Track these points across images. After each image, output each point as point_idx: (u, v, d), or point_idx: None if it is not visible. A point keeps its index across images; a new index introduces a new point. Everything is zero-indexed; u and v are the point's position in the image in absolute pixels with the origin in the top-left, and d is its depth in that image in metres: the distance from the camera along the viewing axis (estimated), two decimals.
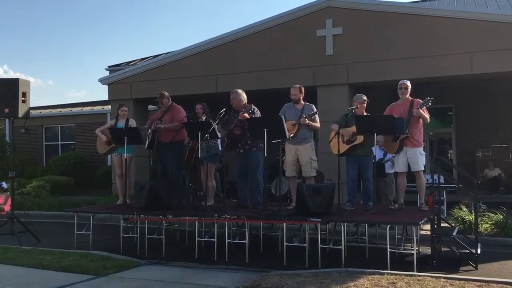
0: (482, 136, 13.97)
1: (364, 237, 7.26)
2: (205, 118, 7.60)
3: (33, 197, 13.43)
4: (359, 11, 11.51)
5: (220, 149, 7.71)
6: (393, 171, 8.21)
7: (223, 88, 11.64)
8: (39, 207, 12.24)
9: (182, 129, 7.74)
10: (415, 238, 6.14)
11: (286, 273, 5.43)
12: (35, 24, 59.96)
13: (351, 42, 11.46)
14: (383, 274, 5.21)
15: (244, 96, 7.50)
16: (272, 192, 10.92)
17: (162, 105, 8.23)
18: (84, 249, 7.01)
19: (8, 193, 10.60)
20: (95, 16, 62.38)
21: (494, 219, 8.32)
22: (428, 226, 6.98)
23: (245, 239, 6.56)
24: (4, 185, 11.53)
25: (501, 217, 8.29)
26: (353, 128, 6.88)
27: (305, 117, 7.04)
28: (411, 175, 7.08)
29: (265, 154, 6.80)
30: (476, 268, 6.08)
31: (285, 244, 6.32)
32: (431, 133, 14.95)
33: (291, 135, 6.99)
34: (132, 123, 8.42)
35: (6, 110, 8.15)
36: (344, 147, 7.04)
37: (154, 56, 17.33)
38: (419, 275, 5.12)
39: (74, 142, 19.56)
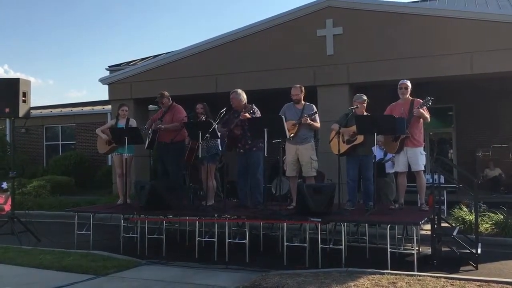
0: (483, 136, 13.96)
1: (364, 237, 7.26)
2: (206, 118, 7.61)
3: (33, 197, 13.41)
4: (360, 11, 11.50)
5: (220, 149, 7.71)
6: (393, 171, 8.20)
7: (223, 88, 11.63)
8: (39, 207, 12.23)
9: (183, 129, 7.75)
10: (415, 238, 6.14)
11: (287, 273, 5.43)
12: (35, 24, 60.06)
13: (351, 42, 11.45)
14: (383, 274, 5.21)
15: (244, 96, 7.50)
16: (272, 192, 10.90)
17: (162, 105, 8.24)
18: (84, 249, 7.01)
19: (9, 193, 10.61)
20: (95, 16, 62.47)
21: (494, 219, 8.31)
22: (428, 226, 6.99)
23: (246, 239, 6.56)
24: (4, 185, 11.53)
25: (502, 217, 8.29)
26: (354, 128, 6.88)
27: (306, 117, 7.04)
28: (412, 175, 7.08)
29: (266, 154, 6.80)
30: (477, 268, 6.08)
31: (285, 244, 6.33)
32: (431, 133, 14.94)
33: (291, 135, 6.99)
34: (133, 123, 8.42)
35: (7, 110, 8.16)
36: (344, 147, 7.04)
37: (154, 56, 17.32)
38: (420, 275, 5.11)
39: (74, 142, 19.56)
